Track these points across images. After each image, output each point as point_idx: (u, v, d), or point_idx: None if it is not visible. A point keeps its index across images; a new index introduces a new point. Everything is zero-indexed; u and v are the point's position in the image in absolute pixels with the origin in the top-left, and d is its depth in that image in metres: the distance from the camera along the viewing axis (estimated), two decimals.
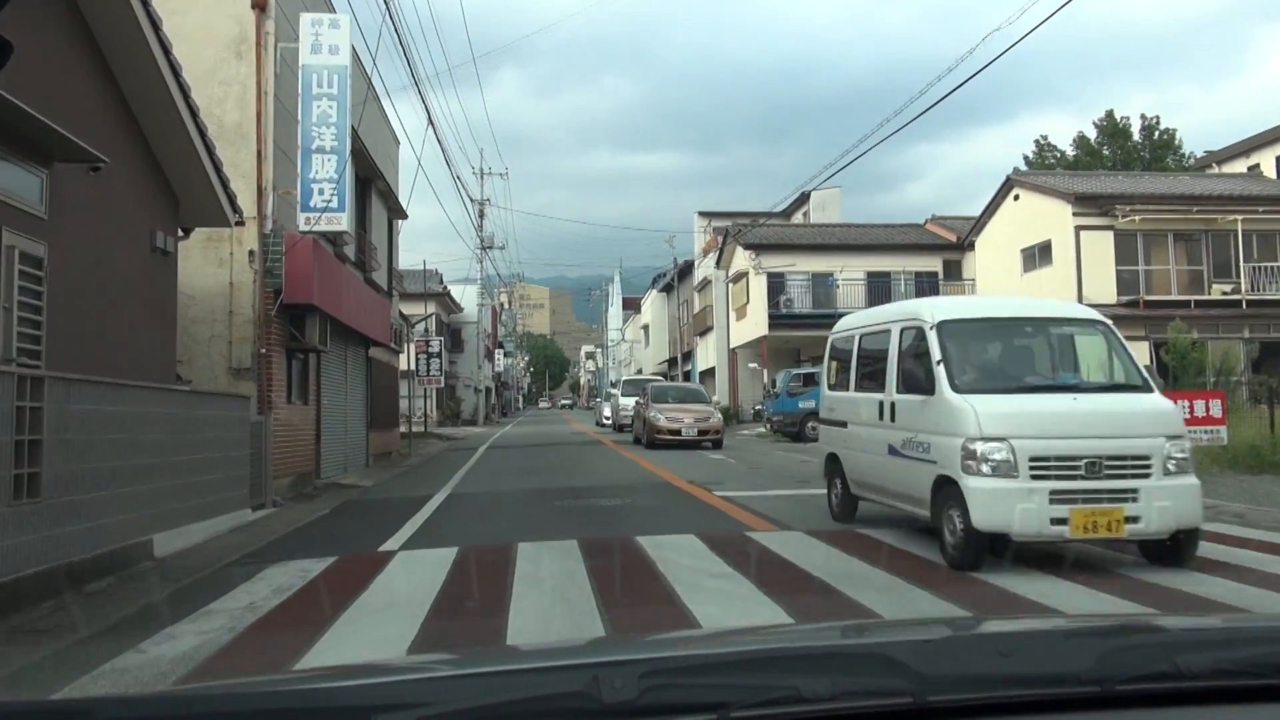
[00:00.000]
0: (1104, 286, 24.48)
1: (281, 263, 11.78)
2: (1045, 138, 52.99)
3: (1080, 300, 24.60)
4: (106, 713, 1.20)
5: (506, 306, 77.99)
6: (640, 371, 53.37)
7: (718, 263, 38.06)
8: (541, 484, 13.16)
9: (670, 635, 3.47)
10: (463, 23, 27.71)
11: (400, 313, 24.62)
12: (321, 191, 11.98)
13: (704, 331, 42.42)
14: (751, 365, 33.86)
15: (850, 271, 31.90)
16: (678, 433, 20.42)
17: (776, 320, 31.17)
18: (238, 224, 10.77)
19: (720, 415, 22.27)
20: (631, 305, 73.97)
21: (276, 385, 11.94)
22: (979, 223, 30.36)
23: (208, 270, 11.79)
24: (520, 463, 18.01)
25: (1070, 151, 46.56)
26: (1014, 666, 1.27)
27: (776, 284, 31.62)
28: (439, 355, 30.77)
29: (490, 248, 48.94)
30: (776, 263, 31.87)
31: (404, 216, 21.88)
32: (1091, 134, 47.98)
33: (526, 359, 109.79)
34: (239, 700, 1.26)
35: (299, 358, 13.21)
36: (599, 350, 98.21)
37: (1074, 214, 24.73)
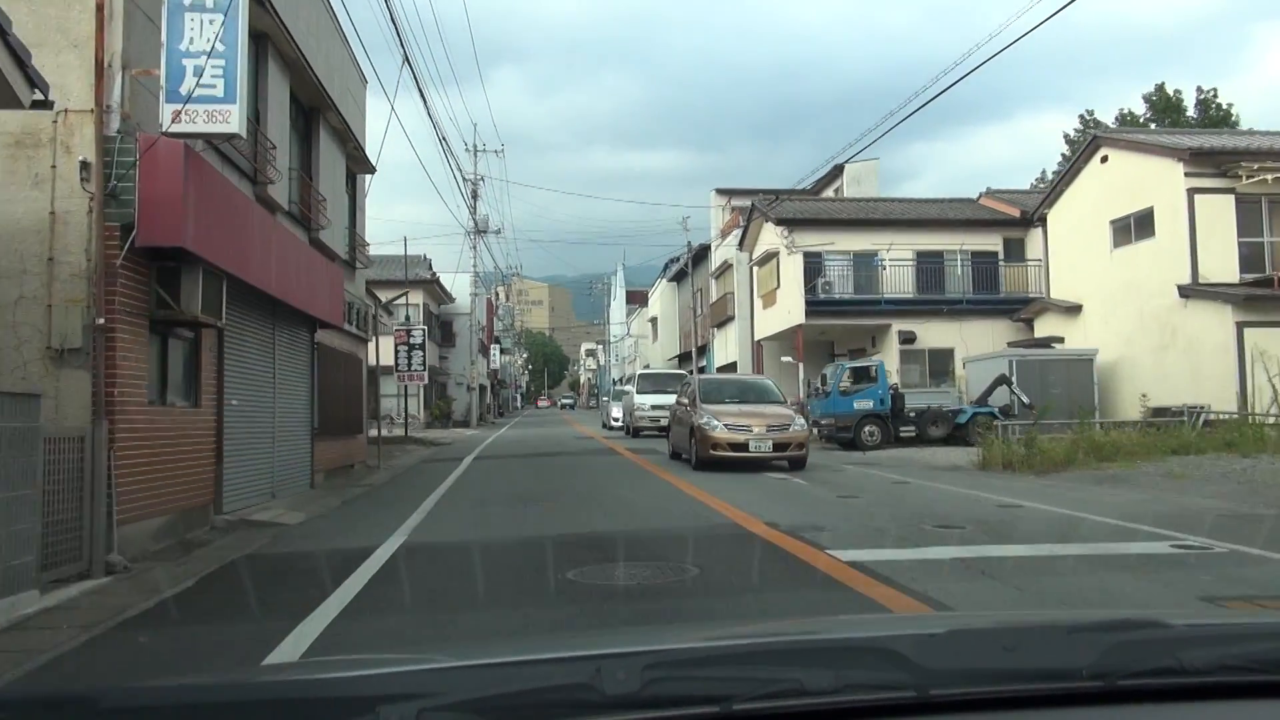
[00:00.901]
0: (1224, 262, 20.13)
1: (134, 181, 7.44)
2: (1091, 112, 48.57)
3: (1195, 279, 20.39)
4: (110, 701, 1.17)
5: (504, 300, 73.62)
6: (648, 368, 48.88)
7: (740, 244, 33.61)
8: (543, 526, 8.80)
9: (673, 627, 3.74)
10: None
11: (369, 291, 20.23)
12: (199, 72, 7.60)
13: (723, 322, 37.96)
14: (786, 359, 29.42)
15: (897, 251, 27.53)
16: (743, 446, 14.36)
17: (814, 307, 26.73)
18: (36, 105, 6.37)
19: (804, 420, 16.10)
20: (637, 299, 69.45)
21: (127, 375, 7.56)
22: (1053, 191, 25.97)
23: (16, 194, 7.44)
24: (514, 483, 13.62)
25: None
26: (1017, 661, 1.25)
27: (814, 265, 27.20)
28: (422, 347, 26.36)
29: (485, 231, 44.55)
30: (812, 241, 27.47)
31: (370, 170, 17.57)
32: (1140, 110, 44.04)
33: (525, 356, 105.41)
34: (243, 690, 1.24)
35: (181, 335, 8.84)
36: (600, 346, 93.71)
37: (1186, 174, 20.32)
